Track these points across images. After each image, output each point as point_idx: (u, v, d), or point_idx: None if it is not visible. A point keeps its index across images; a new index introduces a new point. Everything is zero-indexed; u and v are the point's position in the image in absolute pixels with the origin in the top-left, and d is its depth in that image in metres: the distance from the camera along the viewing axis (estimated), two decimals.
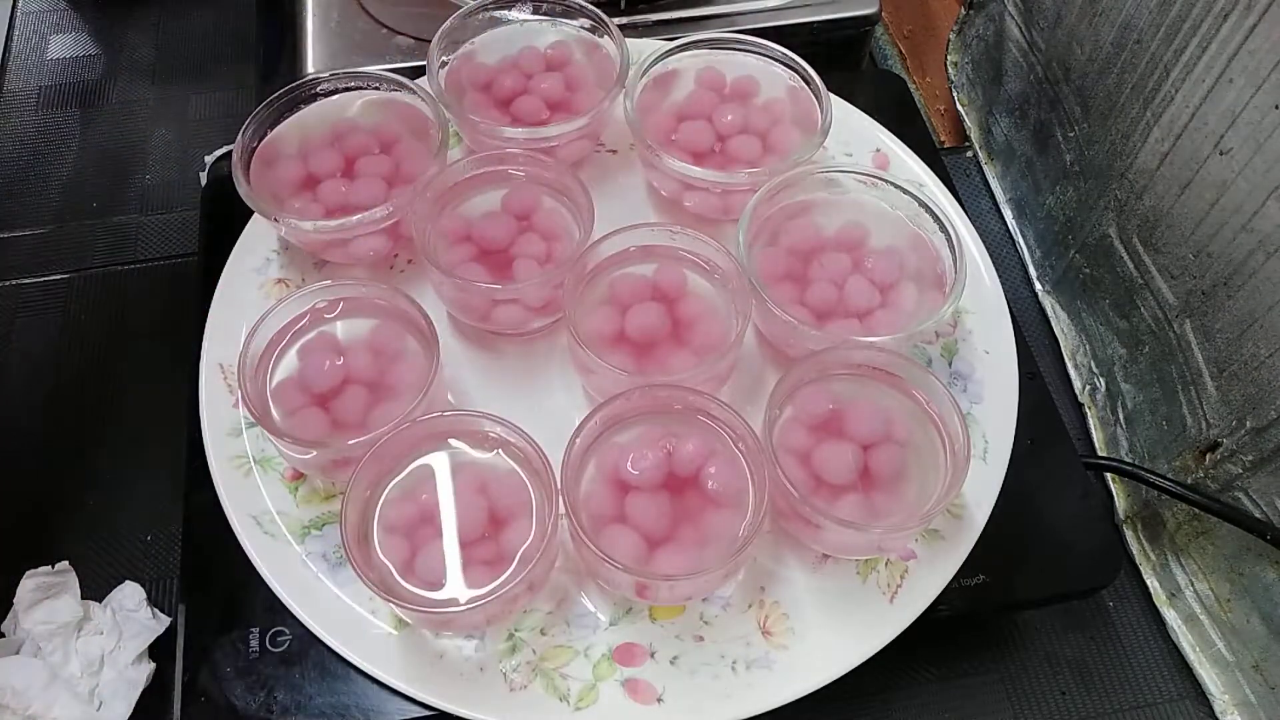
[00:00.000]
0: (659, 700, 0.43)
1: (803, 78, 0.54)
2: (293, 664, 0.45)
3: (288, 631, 0.45)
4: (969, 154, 0.78)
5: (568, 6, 0.57)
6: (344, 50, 0.65)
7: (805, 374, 0.45)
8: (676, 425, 0.44)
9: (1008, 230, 0.74)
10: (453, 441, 0.44)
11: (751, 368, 0.51)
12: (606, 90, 0.53)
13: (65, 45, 0.88)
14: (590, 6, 0.56)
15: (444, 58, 0.55)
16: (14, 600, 0.56)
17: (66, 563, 0.57)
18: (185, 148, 0.81)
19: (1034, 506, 0.51)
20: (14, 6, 0.90)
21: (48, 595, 0.56)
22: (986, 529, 0.47)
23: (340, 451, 0.44)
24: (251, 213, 0.54)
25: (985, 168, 0.77)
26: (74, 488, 0.64)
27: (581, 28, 0.57)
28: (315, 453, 0.44)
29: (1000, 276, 0.54)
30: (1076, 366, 0.67)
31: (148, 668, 0.55)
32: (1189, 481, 0.56)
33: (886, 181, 0.51)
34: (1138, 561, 0.61)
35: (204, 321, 0.52)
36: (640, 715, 0.43)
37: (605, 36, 0.56)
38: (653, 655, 0.44)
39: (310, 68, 0.65)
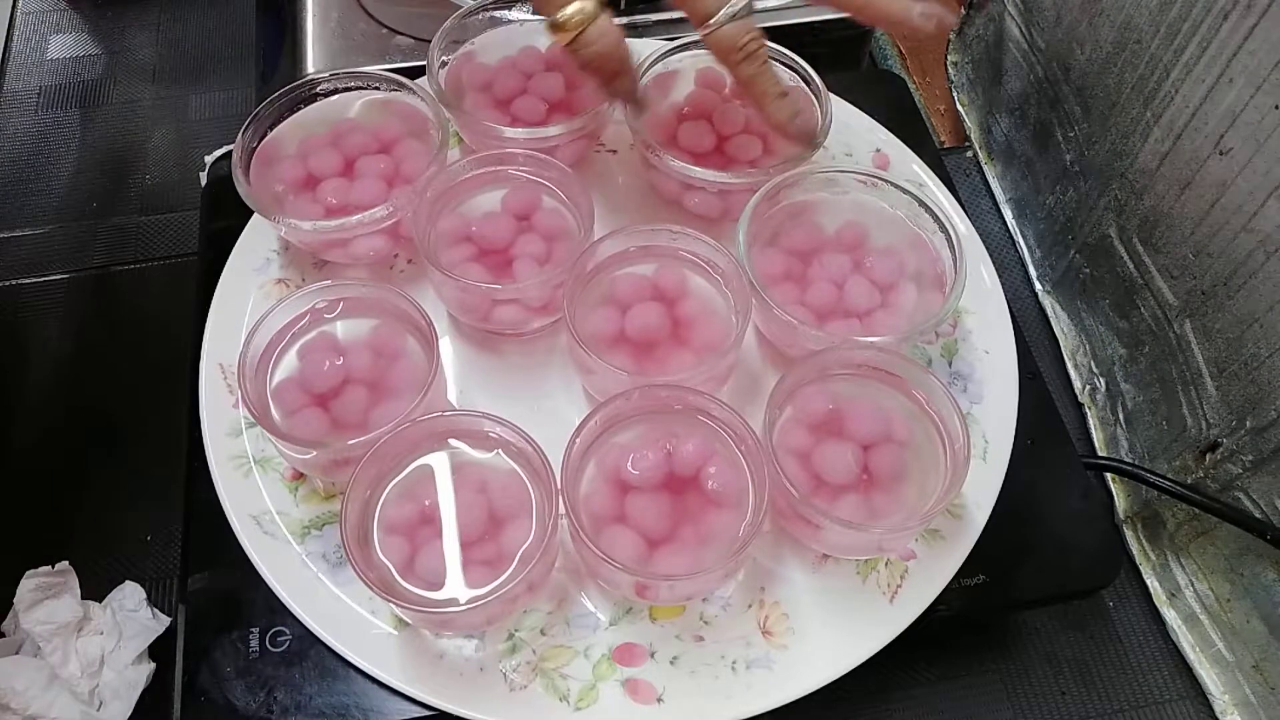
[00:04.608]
0: (659, 700, 0.43)
1: (803, 78, 0.54)
2: (293, 664, 0.45)
3: (288, 631, 0.45)
4: (969, 154, 0.78)
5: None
6: (344, 50, 0.65)
7: (805, 374, 0.45)
8: (676, 425, 0.44)
9: (1008, 230, 0.74)
10: (453, 441, 0.44)
11: (751, 368, 0.51)
12: None
13: (65, 45, 0.88)
14: None
15: (444, 58, 0.55)
16: (14, 600, 0.56)
17: (66, 563, 0.57)
18: (185, 148, 0.81)
19: (1034, 506, 0.51)
20: (14, 6, 0.90)
21: (48, 595, 0.56)
22: (986, 529, 0.47)
23: (340, 451, 0.44)
24: (251, 213, 0.54)
25: (985, 168, 0.77)
26: (74, 488, 0.64)
27: None
28: (315, 453, 0.44)
29: (1000, 276, 0.55)
30: (1076, 366, 0.67)
31: (148, 668, 0.55)
32: (1189, 481, 0.56)
33: (886, 181, 0.51)
34: (1138, 561, 0.61)
35: (204, 321, 0.52)
36: (640, 715, 0.43)
37: None
38: (653, 655, 0.44)
39: (310, 68, 0.65)
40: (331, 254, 0.53)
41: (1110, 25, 0.57)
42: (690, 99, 0.55)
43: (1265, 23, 0.45)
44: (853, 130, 0.59)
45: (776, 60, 0.55)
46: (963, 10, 0.76)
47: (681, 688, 0.43)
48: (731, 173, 0.51)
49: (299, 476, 0.48)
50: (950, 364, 0.52)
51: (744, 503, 0.43)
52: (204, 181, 0.63)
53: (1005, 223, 0.74)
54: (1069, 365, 0.68)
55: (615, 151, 0.58)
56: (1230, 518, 0.53)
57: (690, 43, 0.55)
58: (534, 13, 0.57)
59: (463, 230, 0.50)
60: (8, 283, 0.73)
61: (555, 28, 0.44)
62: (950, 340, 0.53)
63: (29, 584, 0.56)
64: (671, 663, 0.44)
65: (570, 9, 0.43)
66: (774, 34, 0.54)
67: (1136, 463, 0.60)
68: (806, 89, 0.54)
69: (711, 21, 0.44)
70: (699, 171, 0.51)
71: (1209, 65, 0.49)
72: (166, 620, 0.57)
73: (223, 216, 0.57)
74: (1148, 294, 0.58)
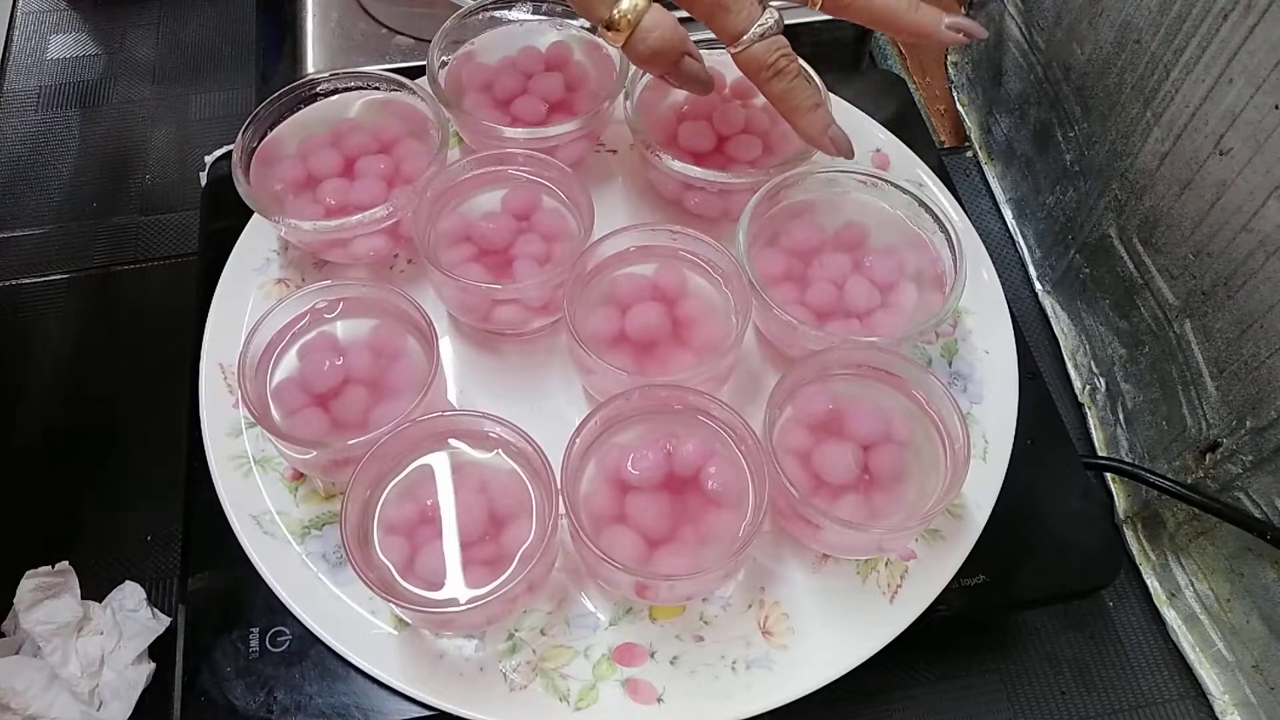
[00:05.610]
0: (659, 700, 0.43)
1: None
2: (293, 664, 0.45)
3: (288, 631, 0.45)
4: (969, 154, 0.78)
5: (568, 6, 0.57)
6: (344, 50, 0.65)
7: (805, 374, 0.45)
8: (676, 425, 0.44)
9: (1008, 230, 0.74)
10: (453, 441, 0.44)
11: (751, 368, 0.51)
12: (606, 90, 0.53)
13: (65, 45, 0.88)
14: None
15: (444, 58, 0.55)
16: (14, 600, 0.56)
17: (66, 563, 0.57)
18: (185, 148, 0.82)
19: (1034, 506, 0.51)
20: (14, 6, 0.90)
21: (48, 595, 0.56)
22: (986, 529, 0.47)
23: (340, 451, 0.44)
24: (251, 213, 0.54)
25: (985, 168, 0.77)
26: (74, 488, 0.64)
27: (582, 28, 0.57)
28: (315, 453, 0.44)
29: (1000, 276, 0.54)
30: (1076, 366, 0.67)
31: (148, 668, 0.55)
32: (1189, 481, 0.56)
33: (886, 181, 0.51)
34: (1138, 561, 0.61)
35: (204, 321, 0.52)
36: (640, 715, 0.43)
37: None
38: (653, 655, 0.44)
39: (310, 68, 0.65)
40: (331, 254, 0.53)
41: (1110, 25, 0.57)
42: (690, 99, 0.55)
43: (1265, 23, 0.45)
44: (853, 130, 0.58)
45: None
46: (962, 10, 0.76)
47: (681, 688, 0.43)
48: (731, 173, 0.51)
49: (299, 476, 0.48)
50: (950, 364, 0.52)
51: (744, 503, 0.43)
52: (204, 181, 0.63)
53: (1005, 223, 0.74)
54: (1069, 365, 0.68)
55: (615, 151, 0.58)
56: (1230, 518, 0.53)
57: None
58: (534, 13, 0.57)
59: (463, 230, 0.50)
60: (8, 283, 0.73)
61: (608, 27, 0.43)
62: (950, 340, 0.53)
63: (29, 584, 0.56)
64: (671, 663, 0.44)
65: (624, 5, 0.43)
66: None
67: (1136, 463, 0.60)
68: None
69: (741, 40, 0.44)
70: (699, 171, 0.51)
71: (1209, 65, 0.49)
72: (166, 620, 0.57)
73: (223, 216, 0.57)
74: (1148, 294, 0.58)
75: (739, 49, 0.44)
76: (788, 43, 0.44)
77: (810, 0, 0.45)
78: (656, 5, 0.44)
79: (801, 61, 0.53)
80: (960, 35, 0.45)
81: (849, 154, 0.47)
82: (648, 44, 0.44)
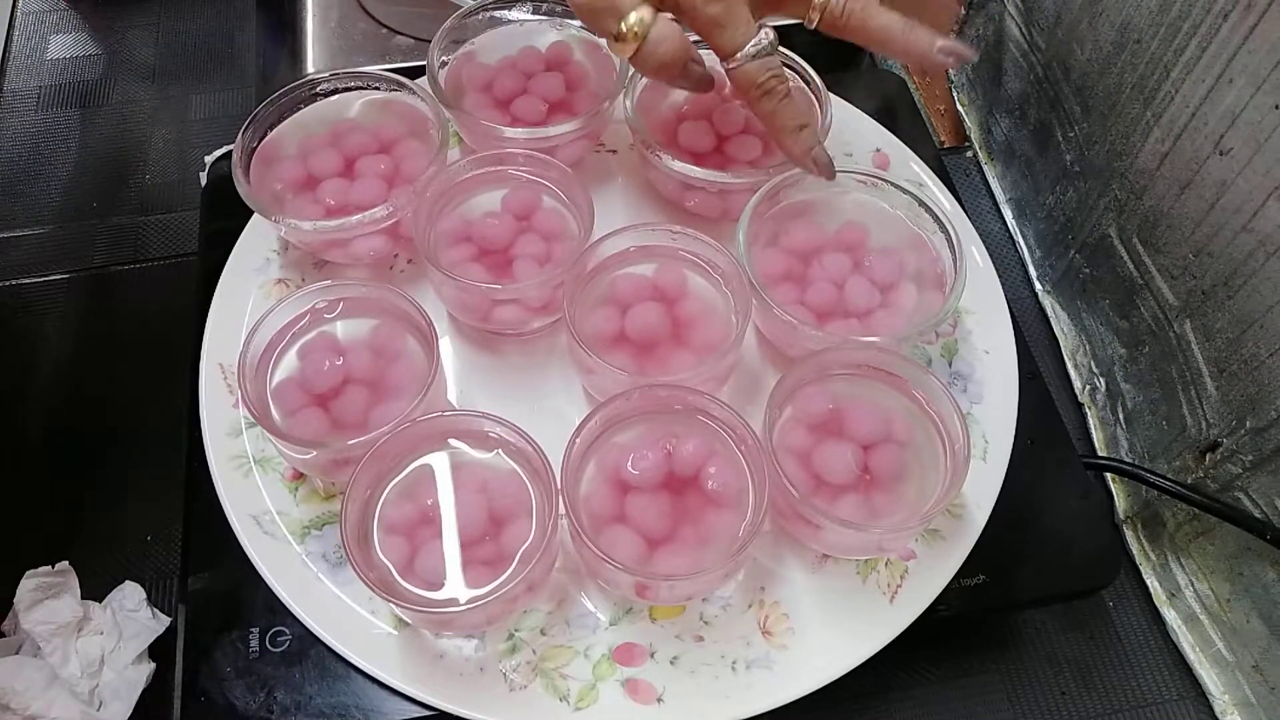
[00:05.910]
0: (659, 700, 0.43)
1: (803, 78, 0.54)
2: (293, 664, 0.45)
3: (288, 631, 0.45)
4: (969, 154, 0.78)
5: (568, 6, 0.57)
6: (344, 50, 0.65)
7: (805, 374, 0.45)
8: (676, 425, 0.44)
9: (1008, 230, 0.74)
10: (453, 441, 0.44)
11: (751, 368, 0.51)
12: (606, 90, 0.53)
13: (65, 45, 0.88)
14: None
15: (444, 58, 0.55)
16: (14, 600, 0.56)
17: (66, 563, 0.57)
18: (185, 148, 0.81)
19: (1034, 506, 0.51)
20: (14, 6, 0.90)
21: (48, 595, 0.56)
22: (986, 529, 0.47)
23: (340, 451, 0.44)
24: (251, 213, 0.54)
25: (985, 168, 0.77)
26: (74, 488, 0.64)
27: (581, 27, 0.57)
28: (315, 453, 0.44)
29: (1000, 276, 0.55)
30: (1076, 366, 0.67)
31: (148, 668, 0.55)
32: (1189, 481, 0.56)
33: (886, 181, 0.51)
34: (1138, 561, 0.61)
35: (204, 321, 0.52)
36: (640, 715, 0.43)
37: None
38: (653, 655, 0.44)
39: (310, 68, 0.65)
40: (331, 254, 0.53)
41: (1110, 25, 0.57)
42: (690, 99, 0.55)
43: (1265, 23, 0.45)
44: (853, 130, 0.59)
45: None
46: (963, 10, 0.75)
47: (681, 688, 0.43)
48: (731, 173, 0.51)
49: (299, 476, 0.48)
50: (950, 364, 0.52)
51: (744, 503, 0.43)
52: (204, 181, 0.63)
53: (1005, 223, 0.74)
54: (1069, 365, 0.68)
55: (615, 151, 0.58)
56: (1230, 518, 0.53)
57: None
58: (534, 13, 0.57)
59: (463, 230, 0.50)
60: (8, 283, 0.73)
61: (617, 39, 0.44)
62: (950, 340, 0.53)
63: (29, 584, 0.56)
64: (671, 663, 0.44)
65: (631, 19, 0.43)
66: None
67: (1136, 463, 0.60)
68: (807, 89, 0.54)
69: (736, 58, 0.45)
70: (699, 171, 0.51)
71: (1209, 65, 0.49)
72: (166, 620, 0.57)
73: (223, 216, 0.57)
74: (1148, 294, 0.58)
75: (733, 66, 0.45)
76: (780, 63, 0.46)
77: (808, 20, 0.46)
78: (662, 17, 0.44)
79: (804, 63, 0.53)
80: (951, 60, 0.46)
81: (830, 175, 0.48)
82: (657, 56, 0.45)
